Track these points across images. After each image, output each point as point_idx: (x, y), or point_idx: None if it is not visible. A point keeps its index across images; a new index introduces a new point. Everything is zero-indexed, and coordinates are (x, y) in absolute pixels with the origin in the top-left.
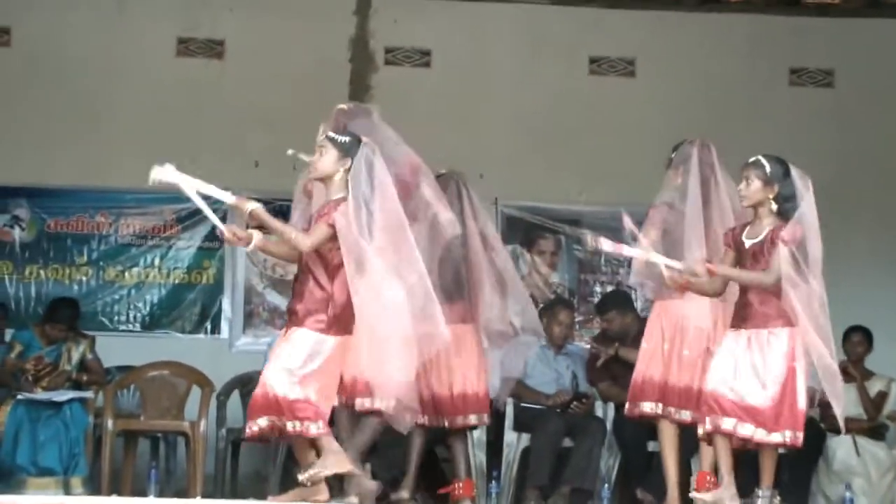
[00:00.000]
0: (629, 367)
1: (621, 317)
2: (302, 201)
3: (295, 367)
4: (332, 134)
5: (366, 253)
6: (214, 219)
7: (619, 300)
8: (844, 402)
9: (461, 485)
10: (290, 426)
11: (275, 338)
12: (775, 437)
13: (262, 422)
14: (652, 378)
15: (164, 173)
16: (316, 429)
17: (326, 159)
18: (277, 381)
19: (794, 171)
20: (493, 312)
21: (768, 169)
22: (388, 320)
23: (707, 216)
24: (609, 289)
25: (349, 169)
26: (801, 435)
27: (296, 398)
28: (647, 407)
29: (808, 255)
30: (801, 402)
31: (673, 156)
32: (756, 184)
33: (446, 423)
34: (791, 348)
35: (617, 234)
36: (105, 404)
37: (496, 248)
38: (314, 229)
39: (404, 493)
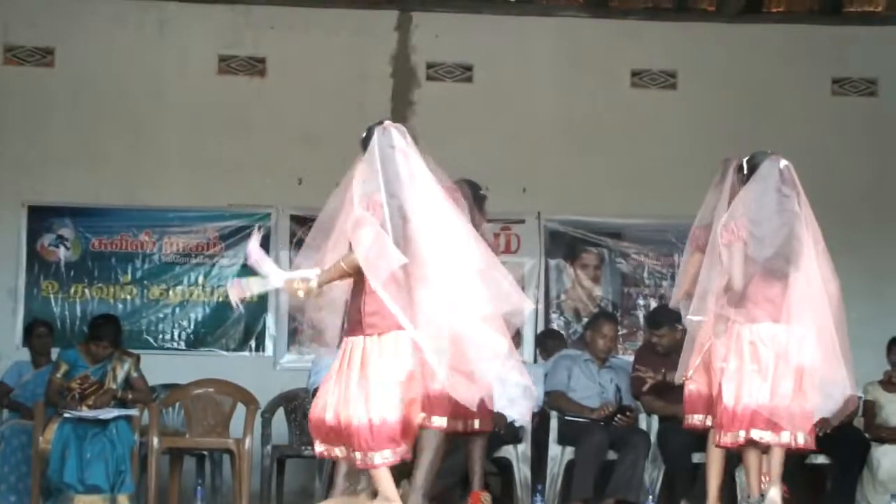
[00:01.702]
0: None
1: (672, 332)
2: None
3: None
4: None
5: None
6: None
7: (672, 316)
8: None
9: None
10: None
11: (320, 355)
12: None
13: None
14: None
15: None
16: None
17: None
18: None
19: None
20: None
21: None
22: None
23: None
24: (652, 302)
25: None
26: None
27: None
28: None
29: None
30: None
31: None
32: None
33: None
34: None
35: (659, 246)
36: (150, 422)
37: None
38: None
39: None
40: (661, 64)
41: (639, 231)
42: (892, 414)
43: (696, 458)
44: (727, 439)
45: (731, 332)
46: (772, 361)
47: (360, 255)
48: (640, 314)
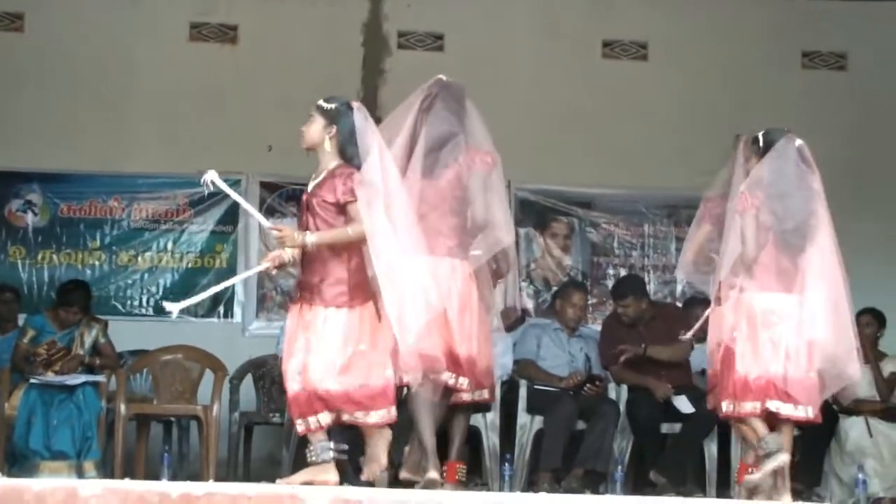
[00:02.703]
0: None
1: (637, 302)
2: None
3: (336, 354)
4: (320, 102)
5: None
6: (261, 219)
7: (636, 286)
8: None
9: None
10: (348, 416)
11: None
12: None
13: (325, 417)
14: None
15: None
16: (377, 417)
17: (312, 128)
18: (322, 374)
19: None
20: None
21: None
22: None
23: None
24: (622, 272)
25: (334, 136)
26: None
27: (345, 388)
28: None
29: None
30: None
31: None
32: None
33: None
34: None
35: (629, 216)
36: (118, 388)
37: None
38: (353, 213)
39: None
40: (632, 35)
41: (609, 201)
42: (860, 386)
43: (665, 428)
44: (740, 409)
45: (742, 301)
46: (784, 332)
47: (369, 232)
48: (610, 284)
